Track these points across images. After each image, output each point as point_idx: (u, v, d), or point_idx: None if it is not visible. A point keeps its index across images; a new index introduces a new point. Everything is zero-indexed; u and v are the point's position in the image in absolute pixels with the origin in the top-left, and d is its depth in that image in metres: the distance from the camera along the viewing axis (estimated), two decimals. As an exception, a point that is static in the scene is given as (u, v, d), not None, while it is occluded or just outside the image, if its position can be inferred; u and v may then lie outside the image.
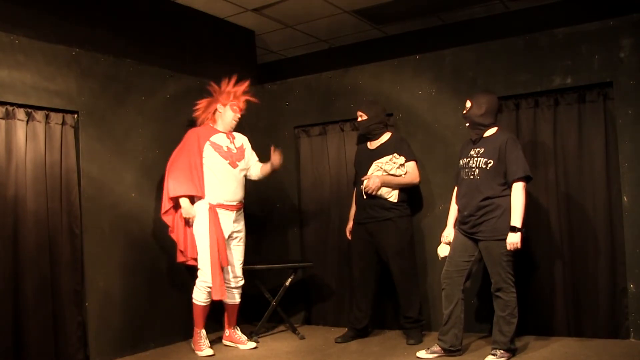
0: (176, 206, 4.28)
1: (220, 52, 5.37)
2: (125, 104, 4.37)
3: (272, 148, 4.42)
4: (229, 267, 4.35)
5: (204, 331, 4.28)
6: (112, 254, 4.20)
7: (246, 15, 5.35)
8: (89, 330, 4.02)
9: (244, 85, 4.45)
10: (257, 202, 5.32)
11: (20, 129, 3.75)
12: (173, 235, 4.32)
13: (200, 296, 4.21)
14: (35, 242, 3.78)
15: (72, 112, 4.04)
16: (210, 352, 4.18)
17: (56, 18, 4.09)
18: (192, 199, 4.26)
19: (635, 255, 3.89)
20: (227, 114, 4.38)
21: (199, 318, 4.26)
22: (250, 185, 5.00)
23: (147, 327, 4.39)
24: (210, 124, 4.42)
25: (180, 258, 4.36)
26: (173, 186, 4.20)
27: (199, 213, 4.22)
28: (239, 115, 4.43)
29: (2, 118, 3.68)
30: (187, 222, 4.27)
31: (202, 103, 4.47)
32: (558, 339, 4.05)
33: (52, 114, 3.93)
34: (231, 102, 4.37)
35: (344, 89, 4.99)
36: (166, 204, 4.26)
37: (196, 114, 4.48)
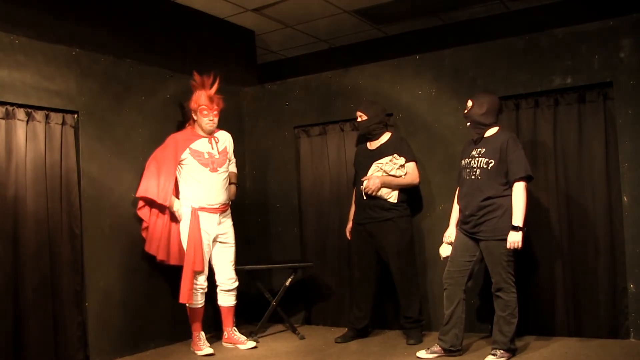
0: (150, 205, 4.28)
1: (220, 52, 5.37)
2: (125, 104, 4.37)
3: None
4: (222, 269, 4.35)
5: (202, 333, 4.28)
6: (112, 254, 4.20)
7: (246, 15, 5.36)
8: (89, 330, 4.02)
9: (207, 84, 4.31)
10: (257, 202, 5.33)
11: (20, 129, 3.75)
12: (144, 234, 4.32)
13: (193, 299, 4.21)
14: (35, 242, 3.78)
15: (72, 112, 4.04)
16: (210, 350, 4.18)
17: (56, 18, 4.10)
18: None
19: (635, 255, 3.89)
20: (200, 120, 4.31)
21: (195, 321, 4.27)
22: (250, 185, 5.01)
23: (147, 327, 4.39)
24: (193, 128, 4.38)
25: (147, 248, 4.34)
26: (144, 187, 4.22)
27: (183, 216, 4.23)
28: (212, 118, 4.30)
29: (2, 118, 3.68)
30: (173, 217, 4.28)
31: (186, 106, 4.46)
32: (558, 339, 4.05)
33: (52, 114, 3.93)
34: (200, 107, 4.27)
35: (344, 89, 4.99)
36: (141, 202, 4.27)
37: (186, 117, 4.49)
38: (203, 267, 4.22)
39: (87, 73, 4.11)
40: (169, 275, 4.55)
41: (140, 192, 4.23)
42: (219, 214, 4.30)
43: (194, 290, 4.20)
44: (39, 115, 3.85)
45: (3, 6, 3.81)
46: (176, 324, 4.58)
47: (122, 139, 4.34)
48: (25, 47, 3.78)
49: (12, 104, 3.71)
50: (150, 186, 4.22)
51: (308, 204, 5.22)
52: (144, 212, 4.28)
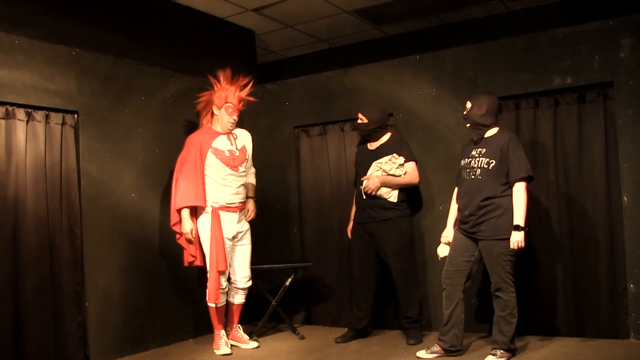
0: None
1: (220, 52, 5.37)
2: (125, 104, 4.37)
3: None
4: (238, 268, 4.35)
5: (223, 331, 4.29)
6: (112, 254, 4.20)
7: (246, 15, 5.35)
8: (89, 330, 4.02)
9: (239, 84, 4.35)
10: (257, 202, 5.31)
11: (20, 129, 3.75)
12: (181, 242, 4.30)
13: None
14: (35, 242, 3.78)
15: (72, 112, 4.04)
16: (227, 350, 4.19)
17: (56, 18, 4.09)
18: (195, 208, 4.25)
19: (635, 255, 3.89)
20: (222, 117, 4.30)
21: (215, 320, 4.26)
22: (250, 185, 5.00)
23: (147, 327, 4.39)
24: (209, 125, 4.37)
25: (187, 262, 4.34)
26: (180, 198, 4.16)
27: (203, 217, 4.21)
28: (236, 118, 4.33)
29: (2, 118, 3.68)
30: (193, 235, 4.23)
31: (203, 96, 4.39)
32: (558, 339, 4.05)
33: (52, 114, 3.93)
34: (226, 105, 4.28)
35: (344, 89, 4.99)
36: (175, 216, 4.22)
37: (198, 107, 4.42)
38: (227, 267, 4.22)
39: (87, 73, 4.11)
40: (169, 275, 4.56)
41: (180, 204, 4.15)
42: (238, 212, 4.30)
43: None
44: (39, 115, 3.85)
45: (3, 6, 3.80)
46: (176, 324, 4.58)
47: (122, 139, 4.33)
48: (25, 47, 3.78)
49: (12, 104, 3.71)
50: (188, 195, 4.15)
51: (308, 204, 5.22)
52: (178, 227, 4.24)
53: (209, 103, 4.36)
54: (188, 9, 5.08)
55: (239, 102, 4.34)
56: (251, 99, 4.46)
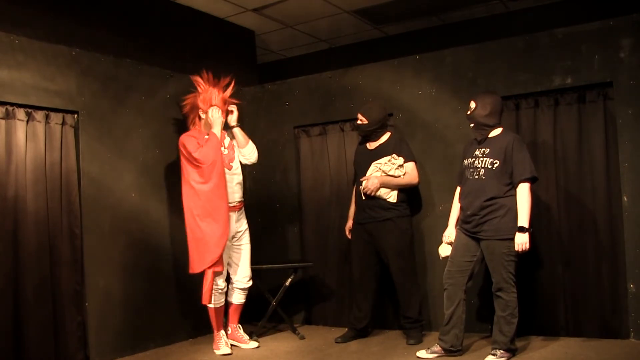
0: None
1: (220, 52, 5.38)
2: (125, 104, 4.37)
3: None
4: (238, 267, 4.35)
5: (222, 332, 4.29)
6: (112, 254, 4.20)
7: (246, 15, 5.36)
8: (89, 330, 4.02)
9: (221, 85, 4.32)
10: (257, 202, 5.32)
11: (20, 129, 3.75)
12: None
13: (212, 299, 4.20)
14: (35, 242, 3.78)
15: (72, 112, 4.04)
16: (227, 350, 4.19)
17: (56, 18, 4.10)
18: None
19: (635, 255, 3.89)
20: (209, 119, 4.28)
21: (214, 320, 4.26)
22: (250, 185, 5.02)
23: (147, 327, 4.39)
24: (198, 128, 4.35)
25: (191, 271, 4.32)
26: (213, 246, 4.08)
27: None
28: (223, 119, 4.30)
29: (2, 118, 3.68)
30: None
31: (188, 99, 4.38)
32: (558, 339, 4.05)
33: (52, 114, 3.93)
34: (212, 107, 4.25)
35: (344, 89, 4.99)
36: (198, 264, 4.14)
37: (184, 110, 4.41)
38: (223, 268, 4.21)
39: (87, 73, 4.11)
40: (169, 275, 4.56)
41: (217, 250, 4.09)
42: (235, 212, 4.30)
43: (212, 291, 4.17)
44: (39, 115, 3.85)
45: (3, 6, 3.81)
46: (176, 324, 4.58)
47: (122, 139, 4.33)
48: (25, 47, 3.78)
49: (12, 104, 3.71)
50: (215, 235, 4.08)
51: (308, 204, 5.21)
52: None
53: (195, 107, 4.35)
54: (188, 9, 5.09)
55: (224, 103, 4.33)
56: (235, 101, 4.40)
